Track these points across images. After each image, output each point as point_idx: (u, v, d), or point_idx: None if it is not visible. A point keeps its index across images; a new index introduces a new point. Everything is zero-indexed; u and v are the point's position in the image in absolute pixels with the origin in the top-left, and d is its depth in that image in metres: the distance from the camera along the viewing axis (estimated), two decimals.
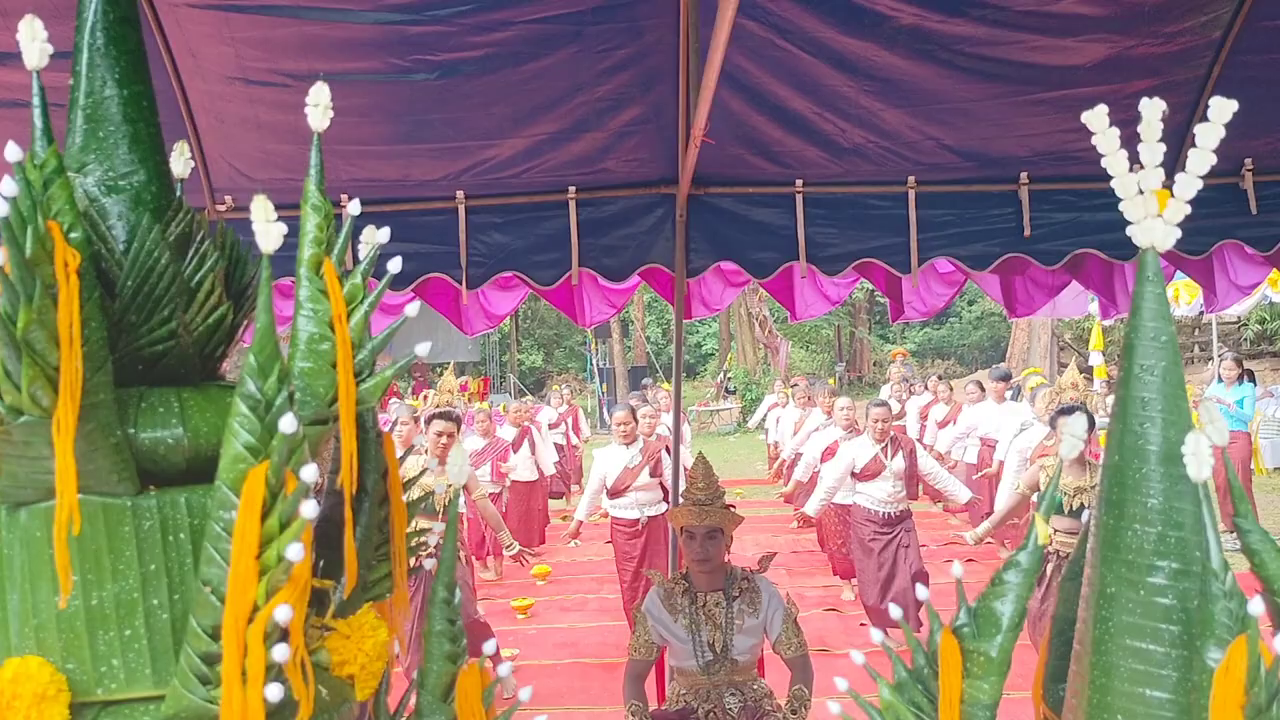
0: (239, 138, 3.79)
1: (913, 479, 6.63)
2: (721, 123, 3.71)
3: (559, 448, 12.38)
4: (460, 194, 4.06)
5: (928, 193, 4.12)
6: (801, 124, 3.91)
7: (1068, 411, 5.24)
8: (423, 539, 1.30)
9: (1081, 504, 5.03)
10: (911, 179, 4.10)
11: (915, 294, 4.65)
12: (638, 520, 6.53)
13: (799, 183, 4.10)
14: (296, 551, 0.99)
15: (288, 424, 1.01)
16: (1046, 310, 4.61)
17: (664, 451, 6.66)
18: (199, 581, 1.05)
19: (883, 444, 6.61)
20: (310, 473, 1.02)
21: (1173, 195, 1.24)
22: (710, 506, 3.34)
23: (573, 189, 4.09)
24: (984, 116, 3.89)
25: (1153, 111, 1.14)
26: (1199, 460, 1.05)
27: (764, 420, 14.39)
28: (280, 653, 0.99)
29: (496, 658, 1.28)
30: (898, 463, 6.54)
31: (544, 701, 5.71)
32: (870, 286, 24.83)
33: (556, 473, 10.91)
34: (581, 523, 6.77)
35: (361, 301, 1.22)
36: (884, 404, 6.96)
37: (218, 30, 3.31)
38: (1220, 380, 9.63)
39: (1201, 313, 13.66)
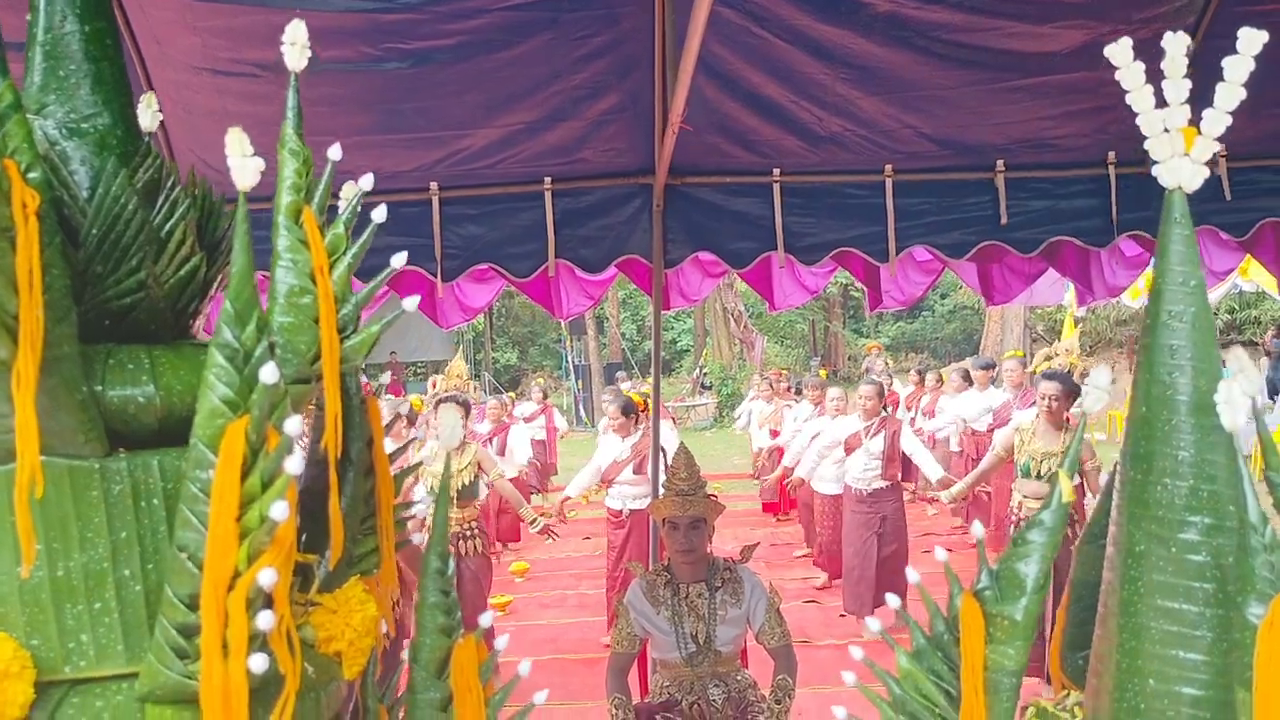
0: (206, 129, 3.72)
1: (892, 460, 6.66)
2: (698, 111, 3.69)
3: (536, 443, 12.31)
4: (434, 185, 4.02)
5: (905, 181, 4.12)
6: (778, 112, 3.89)
7: (1050, 376, 5.28)
8: (411, 513, 1.22)
9: (1051, 469, 5.05)
10: (889, 167, 4.09)
11: (893, 283, 4.65)
12: (621, 511, 6.60)
13: (776, 172, 4.08)
14: (281, 510, 0.91)
15: (269, 374, 0.94)
16: (1024, 298, 4.62)
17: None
18: (174, 548, 0.99)
19: (869, 422, 6.72)
20: (294, 425, 0.95)
21: (1200, 132, 1.23)
22: (693, 496, 3.32)
23: (549, 179, 4.05)
24: (961, 104, 3.88)
25: (1177, 46, 1.10)
26: (1233, 408, 1.00)
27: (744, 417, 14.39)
28: (264, 621, 0.92)
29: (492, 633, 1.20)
30: (876, 443, 6.62)
31: (526, 697, 5.66)
32: (845, 281, 24.80)
33: (530, 469, 10.82)
34: (567, 499, 6.79)
35: (344, 253, 1.15)
36: (874, 383, 7.07)
37: (181, 17, 3.24)
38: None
39: None
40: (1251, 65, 1.10)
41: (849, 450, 6.75)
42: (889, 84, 3.78)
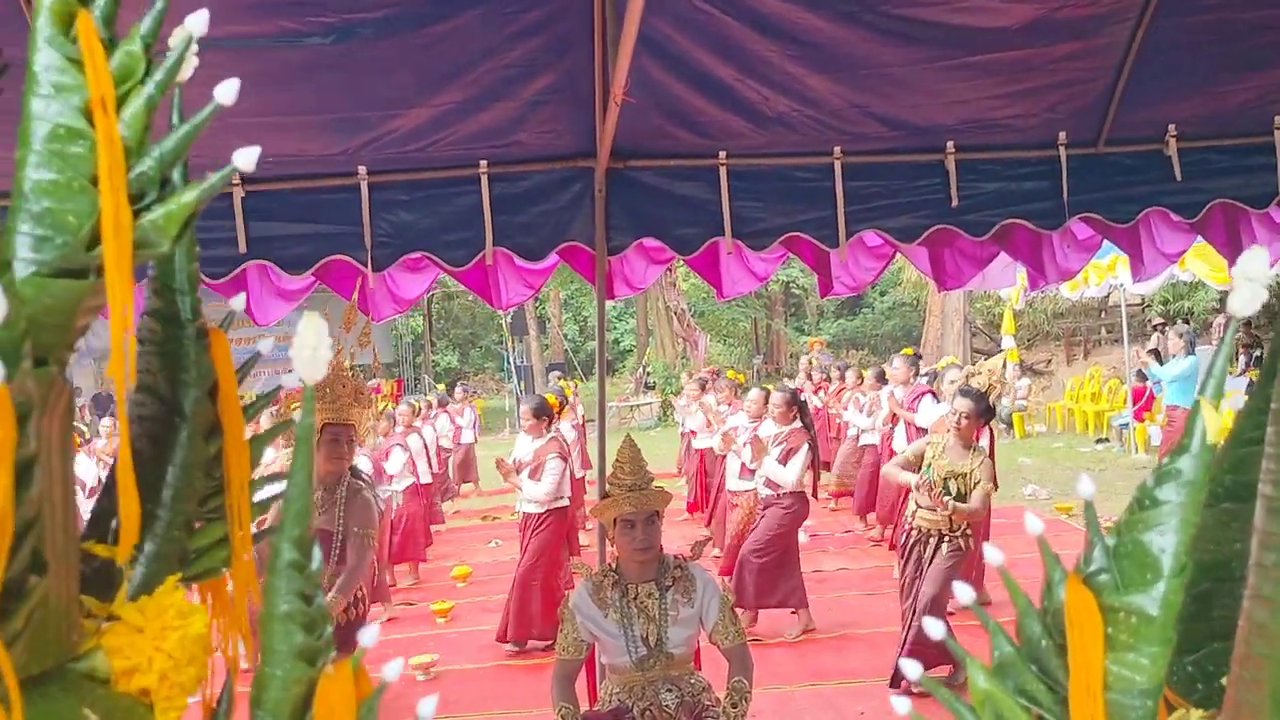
0: None
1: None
2: (641, 91, 3.52)
3: (443, 450, 12.08)
4: (362, 169, 3.78)
5: (854, 164, 3.99)
6: (724, 92, 3.73)
7: (965, 393, 5.19)
8: (276, 488, 0.83)
9: (958, 489, 4.99)
10: (837, 149, 3.95)
11: (844, 269, 4.52)
12: (517, 512, 6.67)
13: (722, 154, 3.92)
14: None
15: None
16: (976, 282, 4.53)
17: (558, 457, 6.58)
18: None
19: (778, 431, 6.65)
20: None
21: None
22: (645, 491, 3.14)
23: (484, 163, 3.84)
24: (910, 82, 3.76)
25: None
26: None
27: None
28: None
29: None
30: (776, 453, 6.52)
31: (468, 708, 5.45)
32: (787, 278, 24.96)
33: (435, 477, 10.52)
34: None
35: (143, 81, 0.74)
36: (784, 390, 6.98)
37: None
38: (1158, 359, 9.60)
39: (1108, 294, 13.98)
40: None
41: (754, 449, 6.68)
42: (837, 61, 3.65)
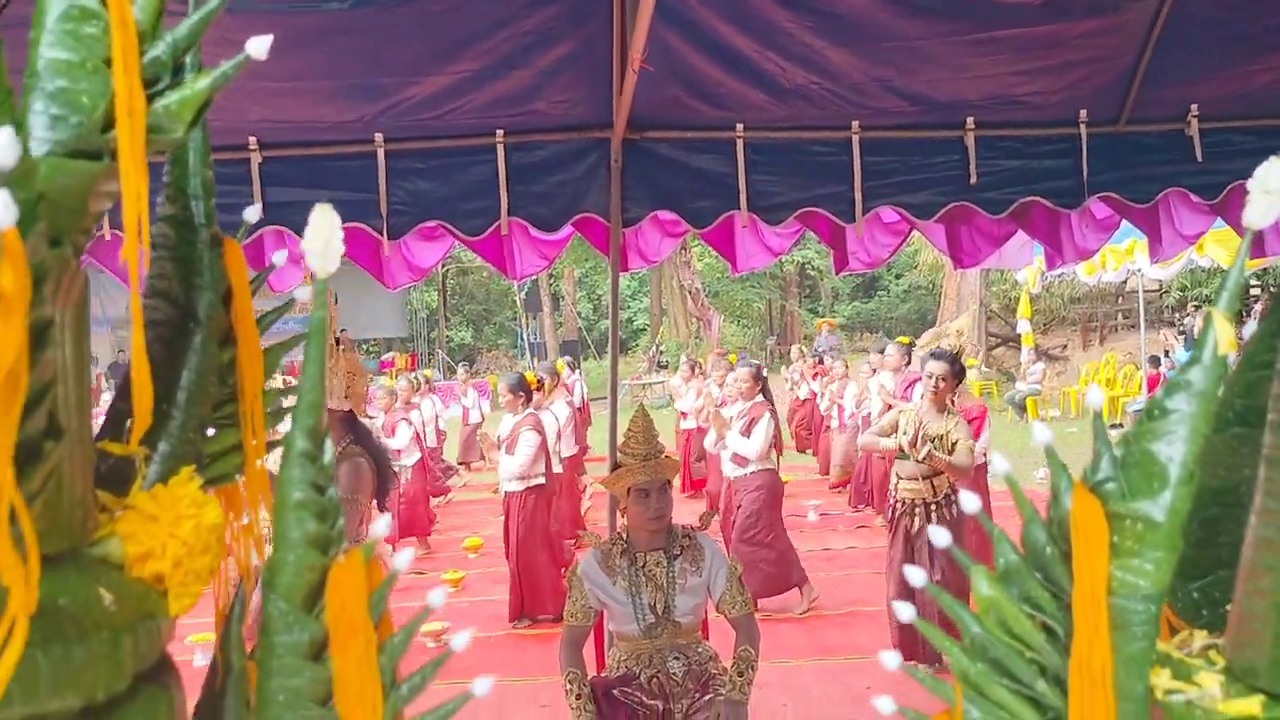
0: None
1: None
2: (659, 61, 3.50)
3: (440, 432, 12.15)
4: (379, 137, 3.78)
5: (872, 139, 3.96)
6: (743, 63, 3.71)
7: (934, 355, 5.18)
8: (290, 397, 0.81)
9: (924, 452, 4.94)
10: (856, 123, 3.93)
11: (859, 245, 4.50)
12: (501, 492, 6.65)
13: (740, 127, 3.90)
14: None
15: None
16: (993, 260, 4.50)
17: (532, 430, 6.63)
18: None
19: (742, 406, 6.60)
20: (1, 146, 0.55)
21: None
22: (658, 460, 3.16)
23: (500, 132, 3.84)
24: (931, 56, 3.73)
25: None
26: None
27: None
28: None
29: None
30: (733, 428, 6.51)
31: (478, 674, 5.49)
32: (802, 259, 24.85)
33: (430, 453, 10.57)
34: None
35: None
36: (749, 366, 6.94)
37: None
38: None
39: (1125, 280, 13.89)
40: None
41: (716, 425, 6.65)
42: (858, 34, 3.62)
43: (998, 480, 5.51)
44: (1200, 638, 0.77)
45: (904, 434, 5.01)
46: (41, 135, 0.67)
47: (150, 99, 0.70)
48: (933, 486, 4.96)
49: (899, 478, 5.12)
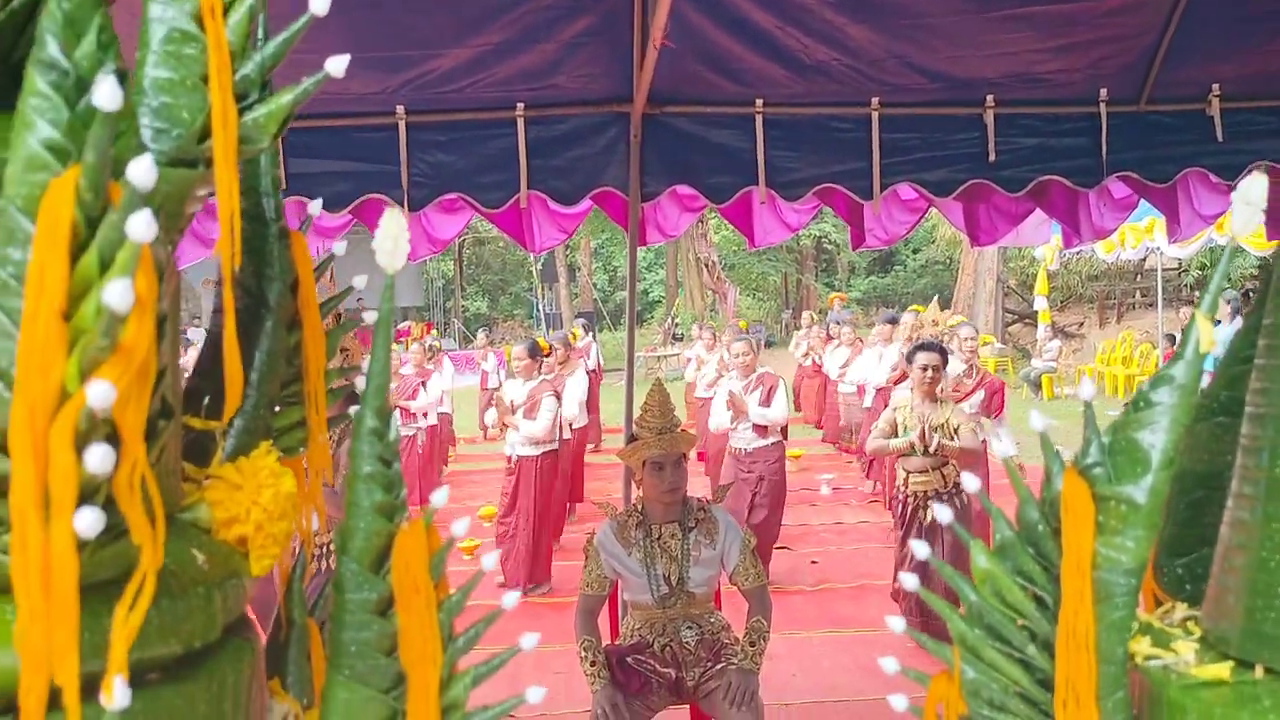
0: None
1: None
2: (680, 37, 3.51)
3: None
4: (400, 109, 3.81)
5: (892, 115, 3.97)
6: (764, 39, 3.72)
7: (922, 347, 5.18)
8: (352, 377, 0.91)
9: (939, 441, 4.98)
10: (875, 100, 3.94)
11: (877, 221, 4.51)
12: (510, 457, 6.63)
13: (759, 102, 3.91)
14: (122, 295, 0.60)
15: (107, 97, 0.62)
16: (1010, 238, 4.51)
17: (553, 395, 6.68)
18: None
19: (746, 380, 6.55)
20: (144, 171, 0.63)
21: None
22: (673, 434, 3.21)
23: (521, 105, 3.86)
24: (952, 33, 3.73)
25: None
26: None
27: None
28: (97, 459, 0.61)
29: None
30: (753, 399, 6.46)
31: (493, 641, 5.57)
32: (818, 233, 24.64)
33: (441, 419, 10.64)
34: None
35: None
36: (744, 339, 6.84)
37: None
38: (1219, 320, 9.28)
39: (1145, 258, 13.80)
40: None
41: (732, 409, 6.48)
42: (879, 9, 3.62)
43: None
44: (1181, 609, 0.85)
45: (909, 431, 5.03)
46: (146, 147, 0.74)
47: (241, 112, 0.78)
48: (943, 476, 4.99)
49: (907, 472, 5.13)
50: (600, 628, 3.34)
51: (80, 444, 0.63)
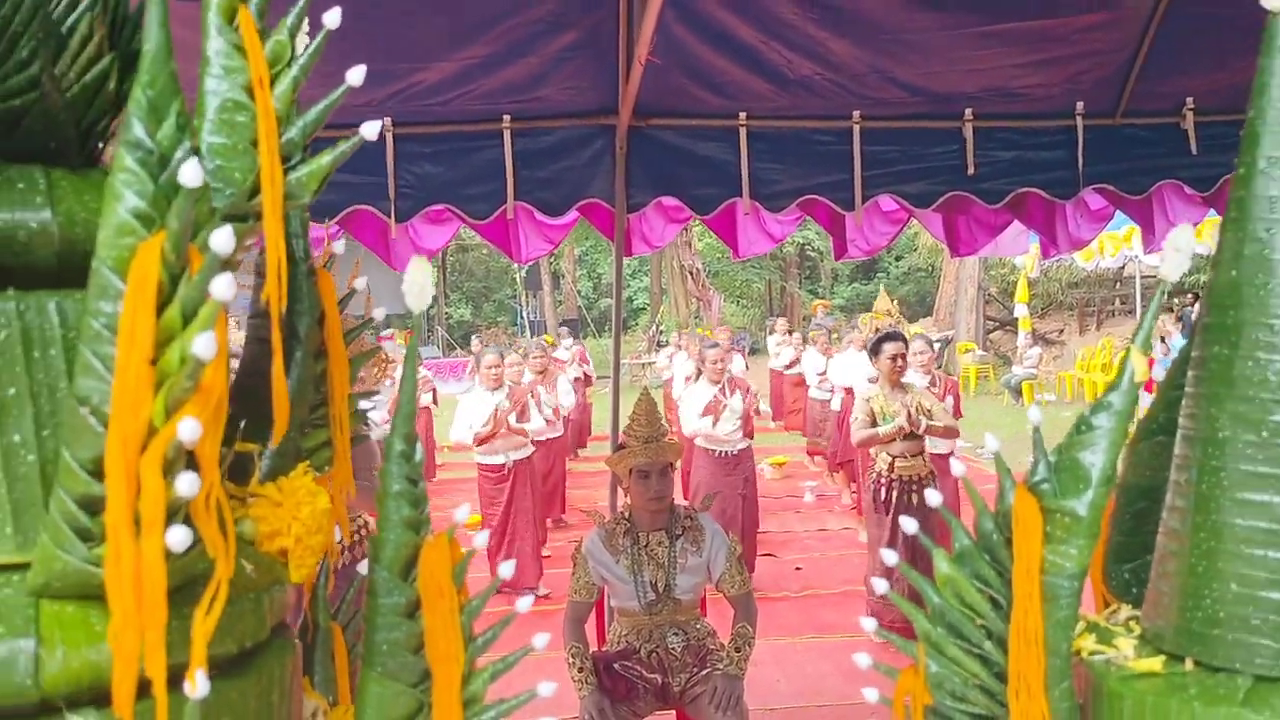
0: None
1: (748, 417, 6.69)
2: (664, 51, 3.57)
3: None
4: (387, 120, 3.85)
5: (873, 128, 4.04)
6: (747, 54, 3.78)
7: (888, 337, 5.30)
8: (371, 403, 1.07)
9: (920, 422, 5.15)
10: (857, 114, 4.00)
11: (858, 232, 4.58)
12: (503, 465, 6.61)
13: (743, 116, 3.98)
14: (206, 345, 0.72)
15: (190, 175, 0.75)
16: (988, 249, 4.59)
17: (529, 398, 6.74)
18: (73, 400, 0.79)
19: (719, 384, 6.61)
20: (224, 239, 0.75)
21: None
22: (659, 443, 3.26)
23: (507, 118, 3.91)
24: (932, 49, 3.80)
25: None
26: None
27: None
28: (186, 485, 0.74)
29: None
30: (736, 401, 6.55)
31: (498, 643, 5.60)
32: (802, 240, 24.76)
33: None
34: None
35: (289, 64, 0.96)
36: (716, 345, 6.93)
37: None
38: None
39: (1124, 266, 13.97)
40: None
41: (711, 412, 6.54)
42: (861, 26, 3.69)
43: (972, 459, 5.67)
44: (1126, 610, 1.00)
45: (889, 419, 5.14)
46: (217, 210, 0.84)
47: (286, 172, 0.89)
48: (924, 461, 5.17)
49: (892, 457, 5.23)
50: (588, 634, 3.38)
51: (168, 471, 0.73)
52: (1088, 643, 0.96)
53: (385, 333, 24.09)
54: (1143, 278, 14.91)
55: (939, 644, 0.96)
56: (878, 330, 5.40)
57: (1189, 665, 0.93)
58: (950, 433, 5.25)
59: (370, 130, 0.94)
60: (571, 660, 3.20)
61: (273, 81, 0.92)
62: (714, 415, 6.51)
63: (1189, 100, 4.05)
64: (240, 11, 0.92)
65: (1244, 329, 0.93)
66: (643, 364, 23.38)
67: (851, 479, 9.14)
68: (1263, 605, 0.89)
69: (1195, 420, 0.94)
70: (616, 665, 3.29)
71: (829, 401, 9.87)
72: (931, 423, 5.07)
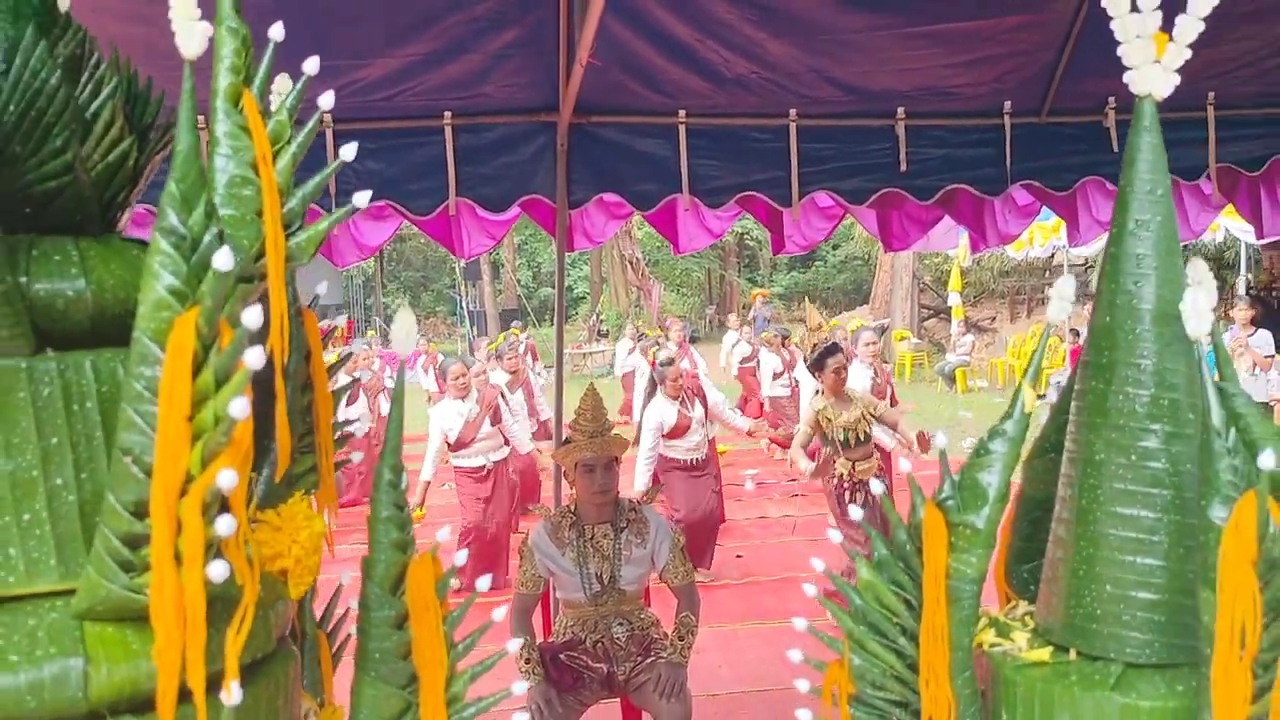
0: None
1: (711, 421, 6.89)
2: (605, 49, 3.61)
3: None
4: (328, 117, 3.83)
5: (809, 126, 4.13)
6: (685, 52, 3.84)
7: (829, 352, 5.46)
8: (349, 430, 1.20)
9: (862, 433, 5.44)
10: (793, 112, 4.09)
11: (795, 227, 4.68)
12: (484, 466, 6.65)
13: (682, 113, 4.04)
14: (240, 408, 0.85)
15: (223, 261, 0.87)
16: (920, 244, 4.72)
17: (499, 398, 6.83)
18: (117, 451, 0.91)
19: (678, 399, 6.61)
20: (254, 317, 0.88)
21: (1172, 40, 1.25)
22: (604, 437, 3.31)
23: (449, 114, 3.92)
24: (866, 49, 3.89)
25: None
26: (1198, 316, 1.00)
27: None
28: (224, 526, 0.86)
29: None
30: (698, 411, 6.66)
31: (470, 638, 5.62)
32: (740, 230, 24.95)
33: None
34: (429, 484, 6.61)
35: (288, 142, 1.08)
36: (671, 361, 6.92)
37: None
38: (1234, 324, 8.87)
39: (1052, 255, 14.35)
40: None
41: (682, 433, 6.57)
42: (796, 27, 3.76)
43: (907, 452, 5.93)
44: (1023, 606, 1.18)
45: (842, 427, 5.36)
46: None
47: (287, 238, 1.01)
48: (877, 459, 5.48)
49: (852, 462, 5.41)
50: (534, 626, 3.43)
51: (206, 513, 0.85)
52: (988, 636, 1.10)
53: (324, 324, 23.82)
54: (1071, 266, 15.33)
55: (861, 640, 1.11)
56: (815, 347, 5.51)
57: (1072, 655, 1.08)
58: (900, 427, 5.62)
59: (361, 199, 1.06)
60: (519, 652, 3.25)
61: (275, 157, 1.05)
62: (683, 434, 6.58)
63: (1111, 100, 4.21)
64: (244, 95, 1.06)
65: (1116, 367, 1.09)
66: (584, 354, 23.42)
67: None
68: (1132, 603, 1.04)
69: (1077, 444, 1.10)
70: (563, 656, 3.35)
71: (787, 397, 10.07)
72: (886, 416, 5.52)
